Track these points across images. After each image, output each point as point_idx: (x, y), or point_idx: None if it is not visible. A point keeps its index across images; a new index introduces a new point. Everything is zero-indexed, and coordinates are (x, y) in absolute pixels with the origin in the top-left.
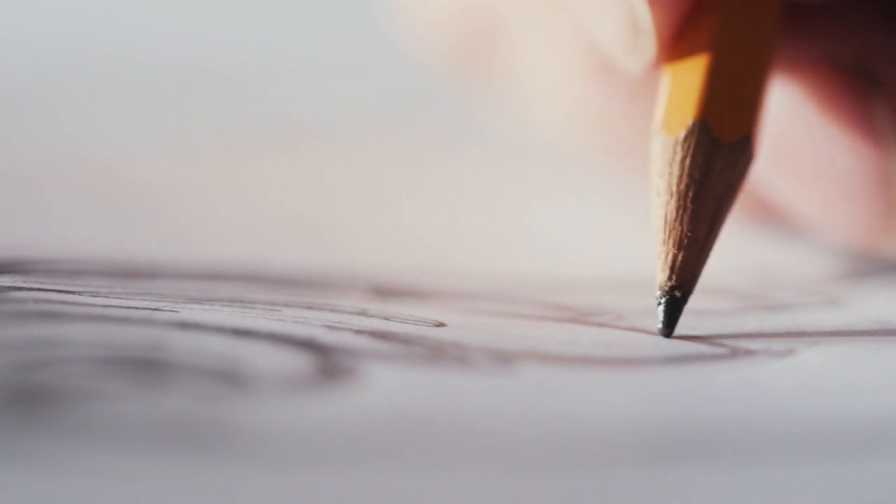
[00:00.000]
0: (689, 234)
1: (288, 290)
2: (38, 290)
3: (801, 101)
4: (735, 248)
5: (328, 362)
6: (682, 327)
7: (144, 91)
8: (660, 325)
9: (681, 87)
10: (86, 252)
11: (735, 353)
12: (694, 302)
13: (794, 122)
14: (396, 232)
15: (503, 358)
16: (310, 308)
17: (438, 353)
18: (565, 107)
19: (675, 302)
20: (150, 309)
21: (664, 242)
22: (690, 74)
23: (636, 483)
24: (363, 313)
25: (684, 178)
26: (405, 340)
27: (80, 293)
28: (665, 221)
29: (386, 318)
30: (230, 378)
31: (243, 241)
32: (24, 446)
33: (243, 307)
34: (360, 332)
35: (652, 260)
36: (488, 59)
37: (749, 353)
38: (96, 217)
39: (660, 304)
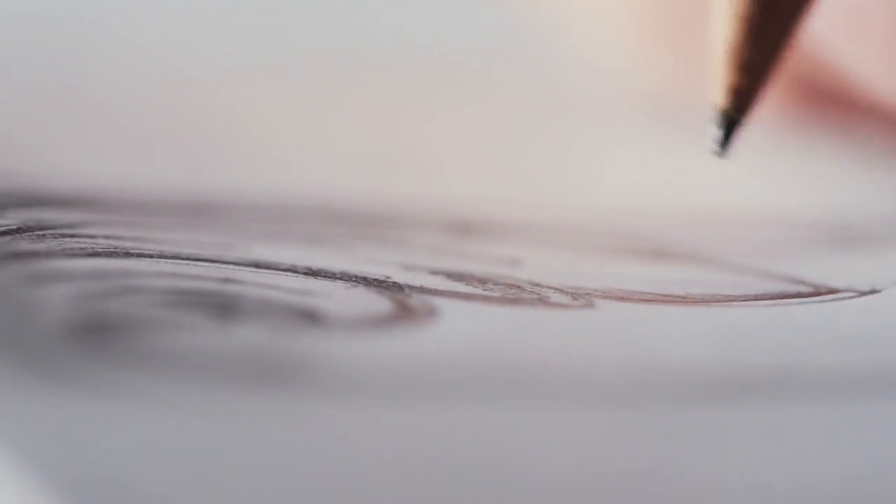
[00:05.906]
0: (752, 58)
1: (363, 226)
2: (109, 223)
3: None
4: (818, 180)
5: (404, 301)
6: (763, 262)
7: (222, 19)
8: (715, 147)
9: None
10: (157, 186)
11: (818, 291)
12: (773, 235)
13: None
14: (473, 164)
15: (581, 296)
16: (385, 244)
17: (515, 292)
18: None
19: (732, 122)
20: (223, 244)
21: (726, 64)
22: None
23: (714, 421)
24: (439, 251)
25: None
26: (481, 279)
27: (151, 227)
28: (728, 42)
29: (462, 257)
30: (304, 313)
31: (319, 175)
32: (94, 375)
33: (318, 245)
34: (435, 272)
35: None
36: None
37: (832, 290)
38: (168, 150)
39: (716, 123)
